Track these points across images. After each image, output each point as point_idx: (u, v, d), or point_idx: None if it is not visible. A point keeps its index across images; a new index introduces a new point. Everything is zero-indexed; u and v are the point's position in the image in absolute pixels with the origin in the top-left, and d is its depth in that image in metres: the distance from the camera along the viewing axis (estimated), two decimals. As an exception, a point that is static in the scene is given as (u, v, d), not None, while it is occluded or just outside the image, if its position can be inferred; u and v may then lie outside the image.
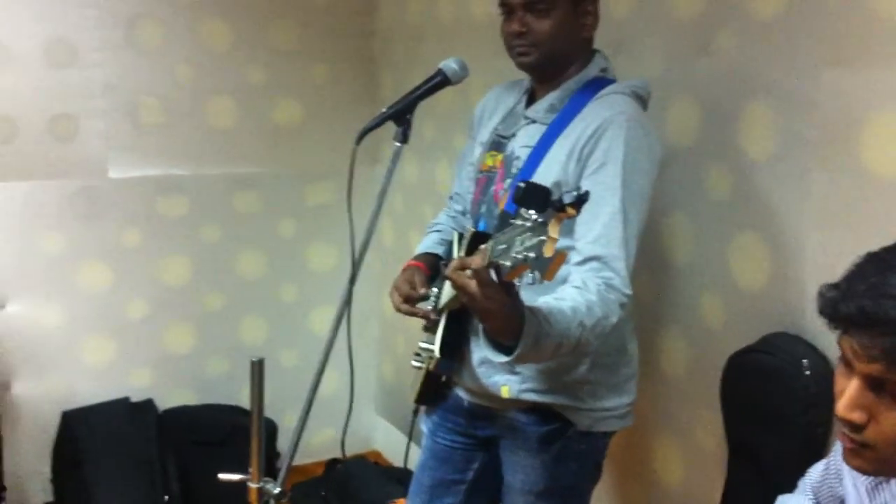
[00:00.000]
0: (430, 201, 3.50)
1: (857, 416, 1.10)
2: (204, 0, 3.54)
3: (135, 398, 3.54)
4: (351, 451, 3.24)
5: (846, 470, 1.31)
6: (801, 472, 1.52)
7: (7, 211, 3.31)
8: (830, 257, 1.87)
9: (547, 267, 1.37)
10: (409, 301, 2.06)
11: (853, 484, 1.30)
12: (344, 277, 1.87)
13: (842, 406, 1.12)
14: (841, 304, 1.09)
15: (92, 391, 3.47)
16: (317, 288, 3.91)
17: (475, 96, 2.32)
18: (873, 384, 1.09)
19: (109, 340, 3.55)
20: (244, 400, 2.25)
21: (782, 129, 2.01)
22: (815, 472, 1.48)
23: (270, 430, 3.50)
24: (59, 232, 3.41)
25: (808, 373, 1.88)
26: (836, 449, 1.31)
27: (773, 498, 1.56)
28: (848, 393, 1.11)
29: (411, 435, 2.40)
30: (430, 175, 3.55)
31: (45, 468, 3.43)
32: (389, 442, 4.06)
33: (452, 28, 3.34)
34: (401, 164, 1.91)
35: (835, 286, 1.11)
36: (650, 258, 2.26)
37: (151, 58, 3.48)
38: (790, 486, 1.53)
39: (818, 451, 1.74)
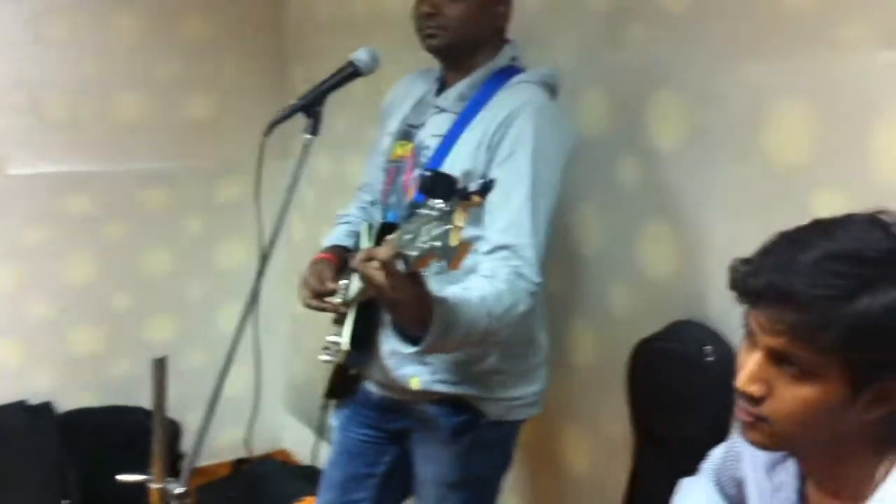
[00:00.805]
0: (341, 195, 3.44)
1: (756, 389, 1.13)
2: (111, -8, 3.45)
3: (33, 401, 3.40)
4: (259, 450, 3.19)
5: (745, 452, 1.33)
6: (706, 456, 1.53)
7: None
8: (735, 246, 1.87)
9: (453, 256, 1.36)
10: (317, 296, 2.03)
11: (752, 465, 1.33)
12: (253, 274, 1.83)
13: (742, 378, 1.14)
14: (751, 278, 1.12)
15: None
16: (225, 285, 3.82)
17: (389, 89, 2.29)
18: (775, 358, 1.11)
19: (9, 342, 3.42)
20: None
21: (690, 120, 2.05)
22: (716, 455, 1.50)
23: (174, 430, 3.38)
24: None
25: (710, 359, 1.91)
26: (737, 431, 1.33)
27: (679, 482, 1.58)
28: (749, 365, 1.13)
29: (321, 431, 2.37)
30: (342, 169, 3.51)
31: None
32: (298, 441, 3.99)
33: (366, 21, 3.30)
34: (312, 158, 1.88)
35: (746, 261, 1.15)
36: (560, 248, 2.27)
37: (56, 52, 3.37)
38: (695, 471, 1.54)
39: (722, 436, 1.75)
